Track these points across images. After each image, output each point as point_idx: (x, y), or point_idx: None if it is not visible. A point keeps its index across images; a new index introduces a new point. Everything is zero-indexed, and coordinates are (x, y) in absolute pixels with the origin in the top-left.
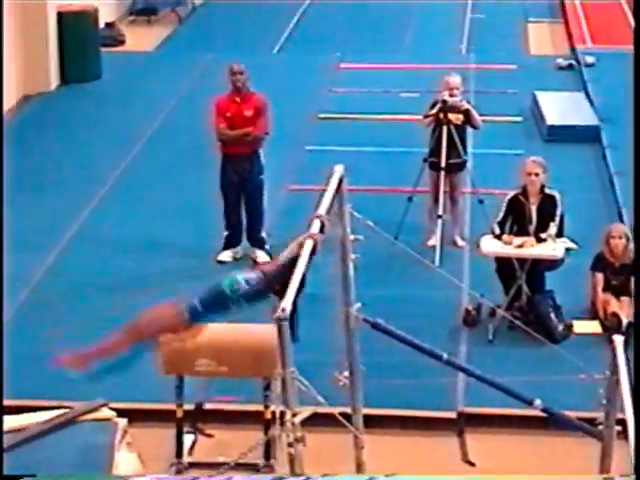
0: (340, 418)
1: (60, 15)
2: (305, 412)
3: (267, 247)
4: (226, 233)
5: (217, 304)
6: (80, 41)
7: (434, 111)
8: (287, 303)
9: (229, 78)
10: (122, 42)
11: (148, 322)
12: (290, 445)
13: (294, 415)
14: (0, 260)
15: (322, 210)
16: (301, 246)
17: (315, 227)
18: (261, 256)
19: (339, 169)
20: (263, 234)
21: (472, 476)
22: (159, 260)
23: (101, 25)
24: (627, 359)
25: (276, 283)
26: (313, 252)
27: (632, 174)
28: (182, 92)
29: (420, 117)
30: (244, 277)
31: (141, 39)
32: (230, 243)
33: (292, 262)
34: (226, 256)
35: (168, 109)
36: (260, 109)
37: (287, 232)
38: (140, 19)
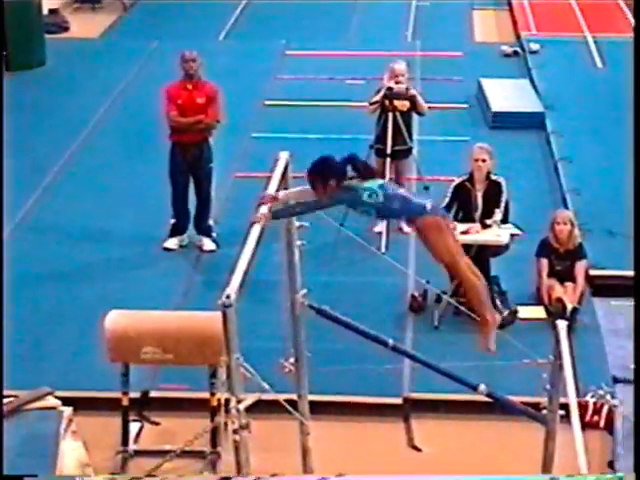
0: (285, 405)
1: (3, 2)
2: (250, 399)
3: (214, 235)
4: (173, 221)
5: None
6: (24, 28)
7: (378, 97)
8: (232, 290)
9: (181, 65)
10: (66, 29)
11: None
12: (235, 432)
13: (239, 402)
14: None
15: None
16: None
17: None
18: (207, 244)
19: (284, 155)
20: (210, 222)
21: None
22: (104, 249)
23: (45, 12)
24: (570, 344)
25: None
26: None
27: (632, 173)
28: (127, 79)
29: (365, 104)
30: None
31: (85, 26)
32: (176, 231)
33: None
34: (172, 244)
35: (113, 96)
36: (212, 97)
37: (233, 219)
38: (84, 6)
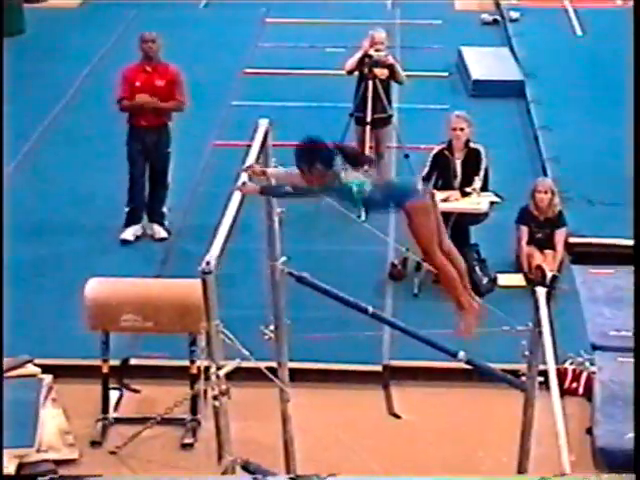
0: (265, 371)
1: None
2: (230, 365)
3: (166, 223)
4: (127, 209)
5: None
6: None
7: (358, 55)
8: (212, 256)
9: (140, 46)
10: None
11: None
12: (215, 398)
13: (219, 368)
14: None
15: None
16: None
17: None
18: (159, 232)
19: (264, 122)
20: (164, 209)
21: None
22: (86, 213)
23: None
24: (549, 311)
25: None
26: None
27: (632, 171)
28: (107, 47)
29: (346, 67)
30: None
31: None
32: (132, 220)
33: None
34: (129, 234)
35: (93, 64)
36: (174, 80)
37: (212, 187)
38: None
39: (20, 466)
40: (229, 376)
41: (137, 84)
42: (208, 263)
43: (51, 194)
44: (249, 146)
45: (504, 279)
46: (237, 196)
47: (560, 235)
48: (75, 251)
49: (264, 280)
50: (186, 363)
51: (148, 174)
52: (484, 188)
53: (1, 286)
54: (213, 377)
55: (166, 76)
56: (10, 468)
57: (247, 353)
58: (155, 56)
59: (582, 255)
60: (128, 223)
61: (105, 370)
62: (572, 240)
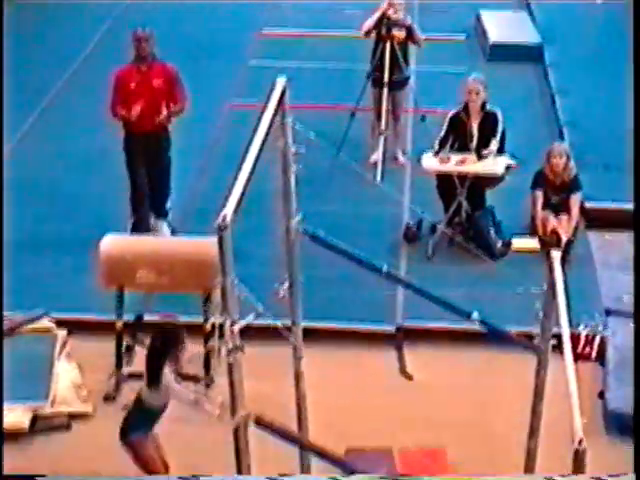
0: (279, 327)
1: None
2: (244, 321)
3: (169, 219)
4: (132, 220)
5: None
6: None
7: (376, 16)
8: (228, 211)
9: (133, 44)
10: None
11: None
12: (229, 353)
13: (233, 324)
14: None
15: (264, 122)
16: None
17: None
18: (162, 229)
19: (281, 81)
20: (168, 205)
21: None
22: (99, 173)
23: None
24: (564, 275)
25: None
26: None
27: (632, 171)
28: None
29: (363, 28)
30: None
31: None
32: (138, 230)
33: None
34: None
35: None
36: (172, 79)
37: (230, 148)
38: None
39: (34, 419)
40: (242, 335)
41: (132, 86)
42: (224, 218)
43: (66, 156)
44: (265, 107)
45: (519, 243)
46: (252, 155)
47: (575, 200)
48: (90, 210)
49: (277, 238)
50: (199, 321)
51: (149, 179)
52: (500, 151)
53: (1, 245)
54: (227, 332)
55: (163, 75)
56: (24, 421)
57: (261, 308)
58: (149, 56)
59: (597, 220)
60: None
61: (119, 326)
62: (587, 205)
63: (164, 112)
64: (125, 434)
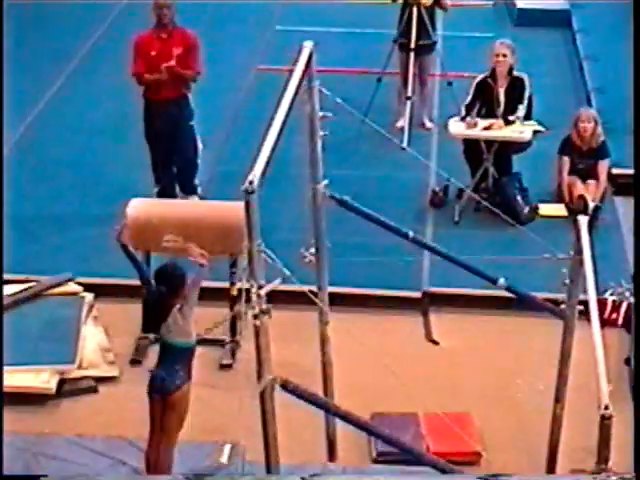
0: (306, 291)
1: None
2: (271, 285)
3: (200, 193)
4: (156, 189)
5: None
6: None
7: None
8: (255, 176)
9: (154, 11)
10: None
11: None
12: (256, 317)
13: (260, 287)
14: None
15: (292, 86)
16: None
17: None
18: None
19: (308, 44)
20: (196, 181)
21: None
22: (122, 141)
23: None
24: (591, 241)
25: None
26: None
27: (632, 169)
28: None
29: None
30: None
31: None
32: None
33: None
34: None
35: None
36: (191, 47)
37: (256, 112)
38: None
39: (61, 382)
40: (268, 299)
41: (153, 53)
42: (251, 182)
43: (84, 125)
44: (291, 71)
45: (546, 209)
46: (280, 118)
47: (603, 166)
48: (115, 178)
49: (304, 203)
50: (226, 285)
51: (173, 153)
52: (527, 117)
53: (1, 206)
54: (254, 296)
55: (184, 43)
56: (52, 384)
57: (287, 272)
58: (170, 23)
59: (625, 186)
60: None
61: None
62: (615, 171)
63: (172, 62)
64: (165, 386)
